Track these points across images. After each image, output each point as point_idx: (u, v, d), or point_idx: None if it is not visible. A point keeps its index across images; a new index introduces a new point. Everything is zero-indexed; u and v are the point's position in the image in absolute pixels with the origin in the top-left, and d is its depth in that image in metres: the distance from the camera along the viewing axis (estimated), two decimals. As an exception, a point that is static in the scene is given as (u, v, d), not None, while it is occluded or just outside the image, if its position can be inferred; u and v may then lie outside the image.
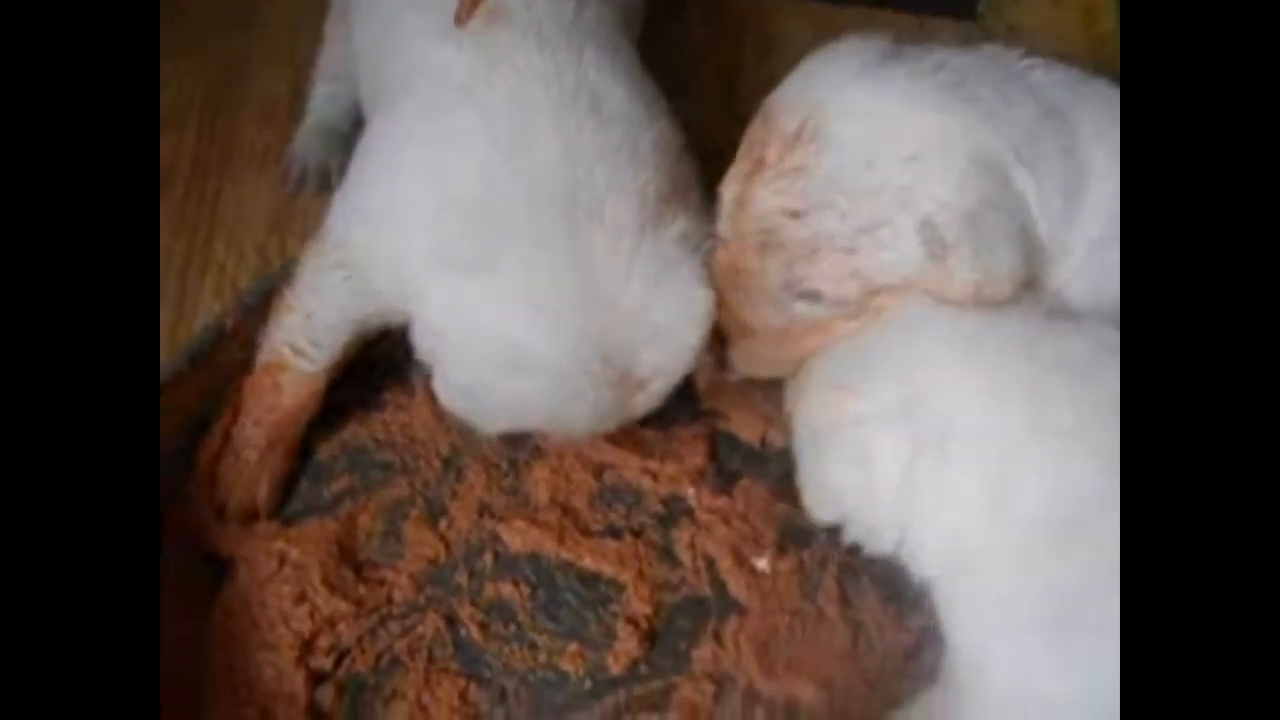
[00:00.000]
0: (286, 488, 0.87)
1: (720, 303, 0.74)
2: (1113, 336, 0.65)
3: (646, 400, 0.75)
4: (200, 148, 1.12)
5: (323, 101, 1.08)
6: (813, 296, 0.72)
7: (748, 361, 0.79)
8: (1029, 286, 0.70)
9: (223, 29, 1.21)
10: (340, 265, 0.80)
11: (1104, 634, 0.57)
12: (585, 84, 0.74)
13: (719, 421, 0.90)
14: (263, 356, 0.85)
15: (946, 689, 0.69)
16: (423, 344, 0.76)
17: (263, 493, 0.85)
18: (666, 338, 0.73)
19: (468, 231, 0.71)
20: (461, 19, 0.77)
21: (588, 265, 0.70)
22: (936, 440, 0.65)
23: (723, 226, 0.75)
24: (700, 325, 0.73)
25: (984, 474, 0.64)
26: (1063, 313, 0.71)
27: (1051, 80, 0.73)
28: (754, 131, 0.74)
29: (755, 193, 0.72)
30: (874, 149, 0.68)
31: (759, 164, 0.72)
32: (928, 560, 0.68)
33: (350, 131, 1.07)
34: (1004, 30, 1.17)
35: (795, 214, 0.70)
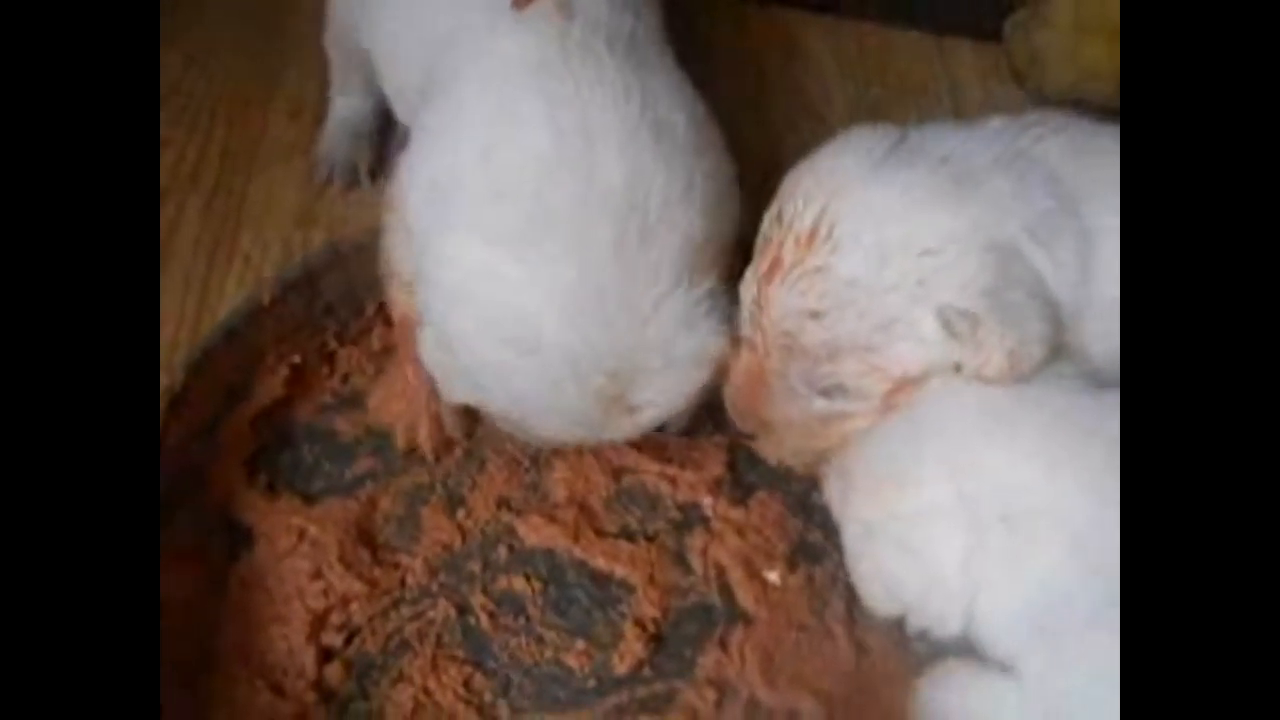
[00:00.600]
0: (467, 413, 0.88)
1: (740, 400, 0.77)
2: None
3: (631, 427, 0.76)
4: (229, 143, 1.14)
5: (342, 109, 1.11)
6: (835, 392, 0.73)
7: (774, 452, 0.81)
8: (1058, 353, 0.70)
9: (252, 28, 1.24)
10: (408, 229, 0.80)
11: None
12: (650, 102, 0.74)
13: (742, 434, 0.90)
14: (396, 314, 0.87)
15: None
16: (426, 293, 0.76)
17: (449, 421, 0.87)
18: (670, 375, 0.73)
19: (515, 207, 0.71)
20: (521, 3, 0.77)
21: (624, 282, 0.71)
22: (998, 520, 0.65)
23: (745, 327, 0.75)
24: (705, 372, 0.75)
25: (1058, 546, 0.64)
26: (1093, 375, 0.71)
27: (1057, 147, 0.74)
28: (768, 228, 0.75)
29: (774, 294, 0.72)
30: (888, 247, 0.68)
31: (776, 264, 0.72)
32: (1003, 639, 0.66)
33: (374, 131, 1.11)
34: (1027, 56, 1.18)
35: (815, 315, 0.70)
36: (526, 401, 0.75)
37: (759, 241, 0.75)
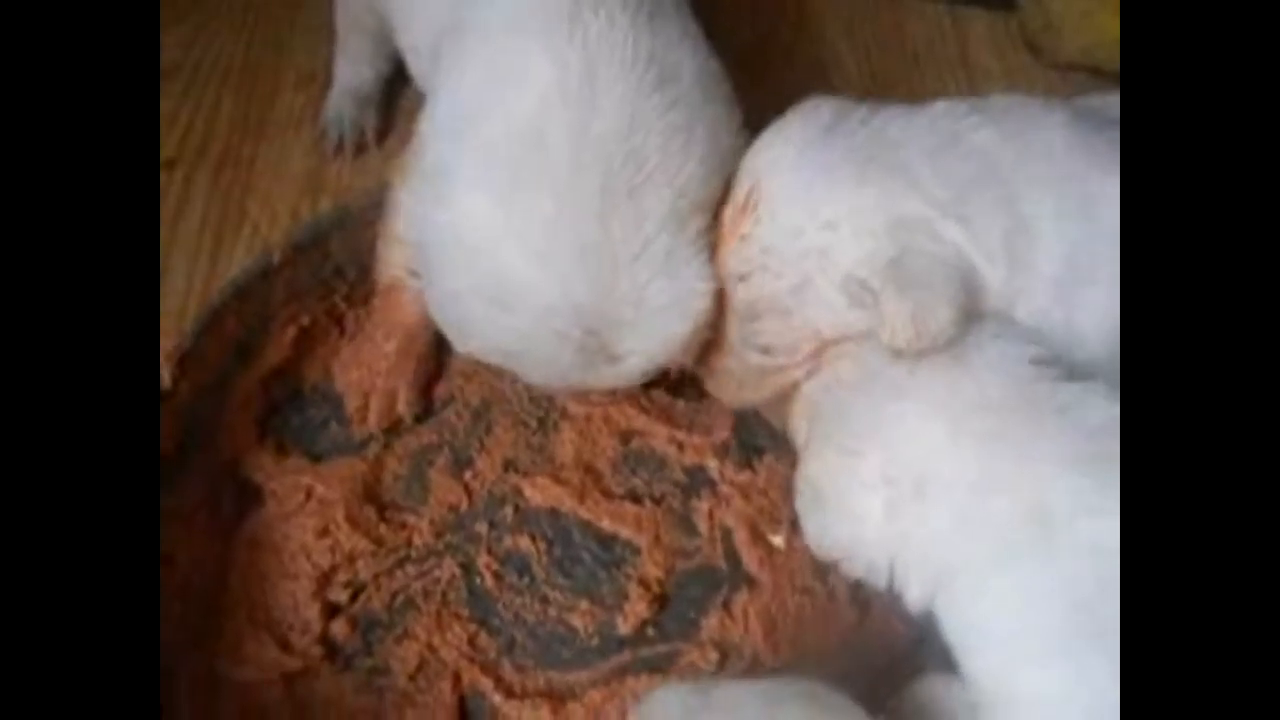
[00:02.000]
0: (426, 392, 0.90)
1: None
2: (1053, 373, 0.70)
3: (618, 374, 0.77)
4: (237, 112, 1.15)
5: (348, 76, 1.11)
6: (765, 350, 0.78)
7: (720, 393, 0.85)
8: (971, 319, 0.72)
9: (262, -1, 1.24)
10: (414, 189, 0.80)
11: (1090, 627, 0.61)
12: (656, 57, 0.74)
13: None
14: (382, 282, 0.88)
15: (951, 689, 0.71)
16: (427, 236, 0.77)
17: (403, 397, 0.88)
18: (654, 324, 0.74)
19: (509, 163, 0.72)
20: None
21: (604, 235, 0.71)
22: (912, 491, 0.68)
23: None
24: (690, 320, 0.75)
25: (953, 507, 0.67)
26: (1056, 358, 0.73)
27: (996, 133, 0.75)
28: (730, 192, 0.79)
29: (718, 254, 0.77)
30: (798, 220, 0.74)
31: (720, 225, 0.78)
32: (917, 589, 0.70)
33: (380, 97, 1.12)
34: (1040, 24, 1.17)
35: (742, 277, 0.76)
36: (521, 356, 0.76)
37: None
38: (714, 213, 0.77)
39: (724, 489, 0.86)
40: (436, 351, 0.91)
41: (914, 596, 0.71)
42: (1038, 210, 0.73)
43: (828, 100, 0.79)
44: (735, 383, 0.83)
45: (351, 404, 0.88)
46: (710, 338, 0.79)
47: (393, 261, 0.86)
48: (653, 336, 0.75)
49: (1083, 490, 0.64)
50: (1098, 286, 0.74)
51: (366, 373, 0.88)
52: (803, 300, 0.75)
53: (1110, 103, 0.82)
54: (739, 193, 0.77)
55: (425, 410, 0.90)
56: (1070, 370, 0.70)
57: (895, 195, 0.72)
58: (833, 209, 0.73)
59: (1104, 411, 0.66)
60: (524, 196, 0.71)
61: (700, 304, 0.75)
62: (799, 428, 0.78)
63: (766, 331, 0.77)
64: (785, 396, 0.80)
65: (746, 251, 0.75)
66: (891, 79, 1.18)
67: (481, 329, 0.76)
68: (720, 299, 0.77)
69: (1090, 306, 0.74)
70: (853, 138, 0.75)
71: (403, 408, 0.88)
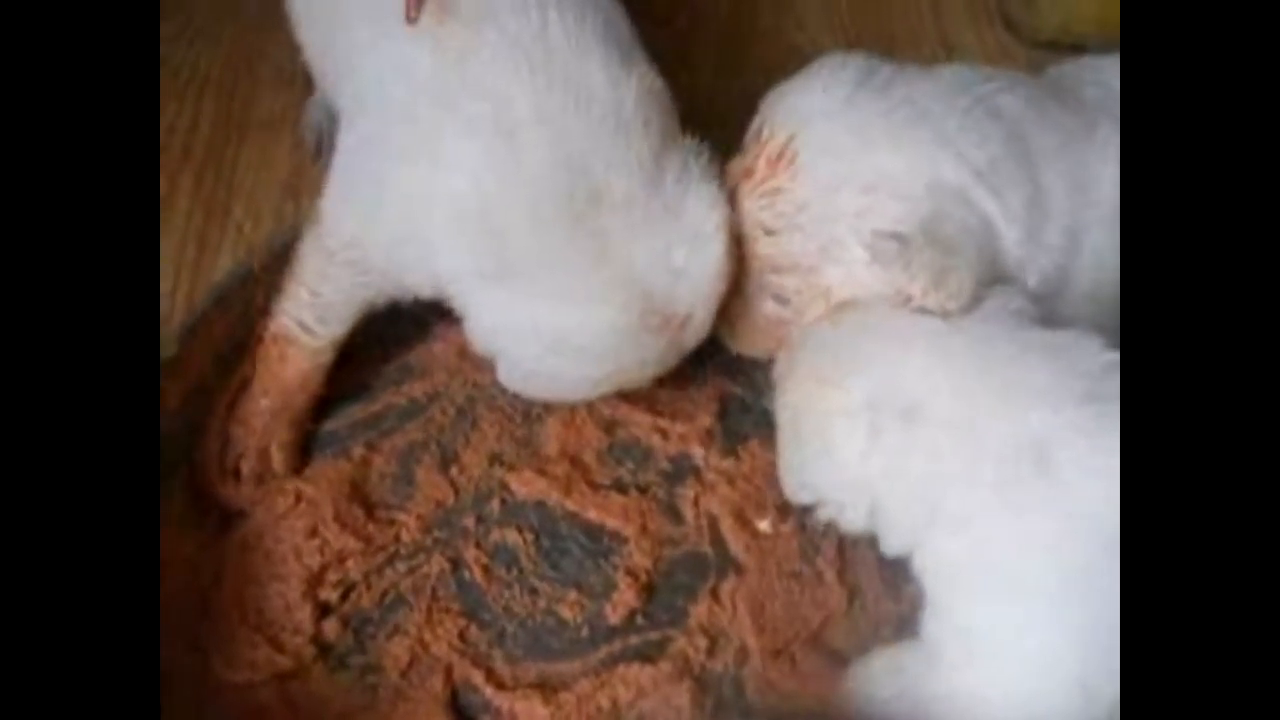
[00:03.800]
0: (301, 451, 0.88)
1: None
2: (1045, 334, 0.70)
3: (697, 333, 0.78)
4: (219, 113, 1.14)
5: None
6: (781, 301, 0.79)
7: (732, 340, 0.85)
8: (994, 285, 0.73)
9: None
10: (350, 265, 0.81)
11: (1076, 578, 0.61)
12: (556, 64, 0.73)
13: (732, 384, 0.91)
14: (271, 328, 0.86)
15: (921, 647, 0.71)
16: (479, 344, 0.79)
17: (275, 458, 0.86)
18: (691, 272, 0.74)
19: (479, 247, 0.73)
20: (412, 17, 0.75)
21: (599, 244, 0.72)
22: (899, 417, 0.68)
23: None
24: (717, 244, 0.75)
25: (937, 440, 0.67)
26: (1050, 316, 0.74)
27: (1018, 100, 0.76)
28: (750, 139, 0.79)
29: (742, 202, 0.77)
30: (838, 178, 0.73)
31: (748, 173, 0.77)
32: (896, 533, 0.71)
33: None
34: (1020, 1, 1.18)
35: (770, 231, 0.76)
36: (619, 376, 0.78)
37: (745, 141, 0.80)
38: (675, 135, 0.77)
39: (709, 476, 0.87)
40: (315, 410, 0.89)
41: (893, 541, 0.71)
42: (1053, 181, 0.75)
43: (850, 56, 0.79)
44: (748, 329, 0.83)
45: (229, 456, 0.86)
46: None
47: (286, 309, 0.85)
48: (696, 281, 0.75)
49: (1070, 432, 0.64)
50: (1084, 254, 0.76)
51: (243, 431, 0.86)
52: (827, 259, 0.75)
53: (1066, 71, 0.85)
54: (773, 143, 0.76)
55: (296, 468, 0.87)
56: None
57: (933, 159, 0.73)
58: (873, 170, 0.73)
59: (1099, 356, 0.66)
60: (514, 264, 0.73)
61: (716, 226, 0.75)
62: (780, 360, 0.79)
63: (786, 287, 0.78)
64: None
65: (780, 206, 0.75)
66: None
67: (572, 377, 0.77)
68: (737, 242, 0.77)
69: (1078, 278, 0.76)
70: (890, 95, 0.75)
71: (277, 465, 0.86)
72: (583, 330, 0.74)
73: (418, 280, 0.79)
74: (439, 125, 0.73)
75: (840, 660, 0.77)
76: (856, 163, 0.73)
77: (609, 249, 0.73)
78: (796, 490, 0.76)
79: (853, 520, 0.72)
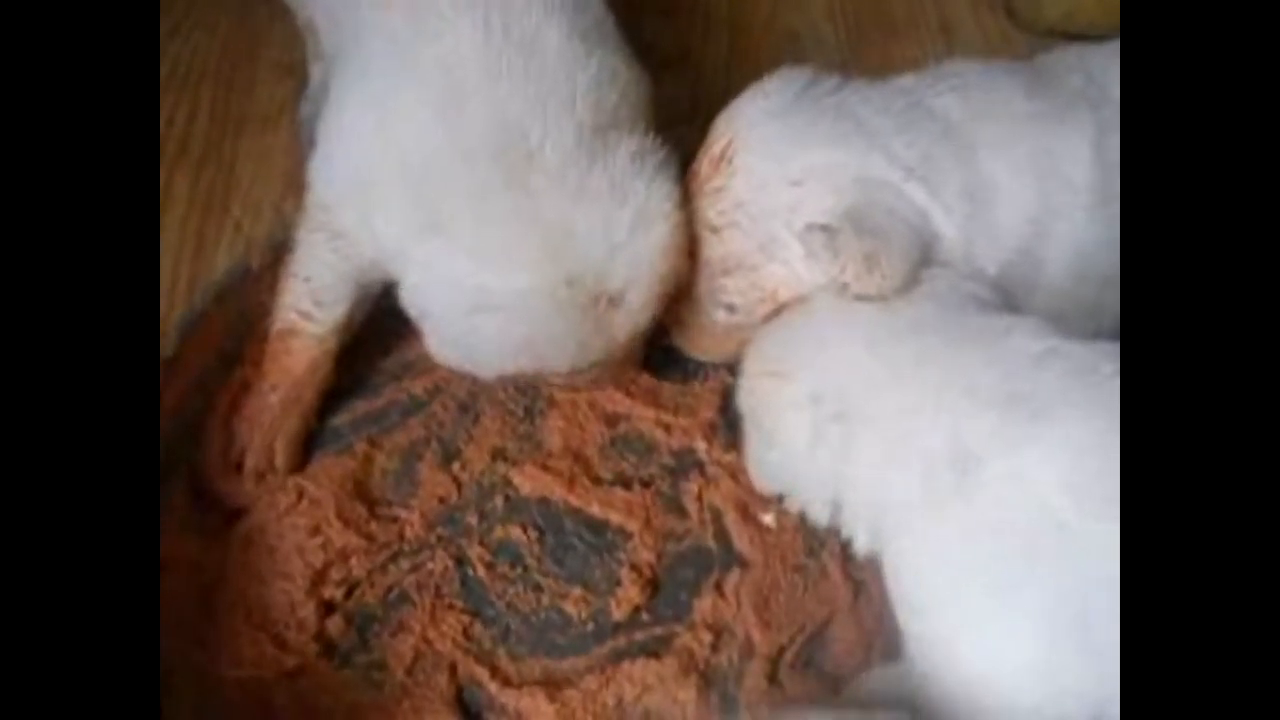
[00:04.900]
0: (303, 447, 0.88)
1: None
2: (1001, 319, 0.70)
3: (628, 318, 0.78)
4: (217, 108, 1.14)
5: (321, 73, 1.10)
6: (729, 308, 0.81)
7: (689, 348, 0.88)
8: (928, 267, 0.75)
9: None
10: (324, 228, 0.82)
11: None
12: (513, 32, 0.76)
13: (733, 377, 0.90)
14: (275, 325, 0.86)
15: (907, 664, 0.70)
16: (409, 305, 0.79)
17: (279, 453, 0.86)
18: (629, 249, 0.75)
19: (419, 197, 0.75)
20: None
21: (531, 205, 0.73)
22: (835, 411, 0.70)
23: None
24: (662, 232, 0.76)
25: (880, 436, 0.68)
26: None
27: (958, 101, 0.79)
28: (705, 144, 0.82)
29: (692, 201, 0.80)
30: (768, 177, 0.77)
31: (694, 174, 0.81)
32: (862, 532, 0.72)
33: None
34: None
35: (714, 229, 0.79)
36: (540, 347, 0.77)
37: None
38: (643, 131, 0.79)
39: (712, 470, 0.87)
40: (321, 405, 0.89)
41: (861, 541, 0.72)
42: (994, 165, 0.76)
43: (804, 68, 0.82)
44: (704, 338, 0.86)
45: (233, 451, 0.86)
46: (681, 290, 0.81)
47: (286, 304, 0.86)
48: (633, 260, 0.75)
49: (1001, 428, 0.63)
50: (1057, 240, 0.77)
51: (248, 424, 0.86)
52: (767, 257, 0.77)
53: (1053, 59, 0.85)
54: (715, 146, 0.79)
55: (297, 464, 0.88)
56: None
57: (862, 156, 0.75)
58: (801, 166, 0.76)
59: (1035, 344, 0.66)
60: (447, 217, 0.74)
61: (665, 214, 0.76)
62: (746, 352, 0.80)
63: (731, 289, 0.80)
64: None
65: (721, 204, 0.78)
66: (870, 47, 1.18)
67: (491, 344, 0.77)
68: (693, 251, 0.79)
69: (1051, 260, 0.78)
70: (823, 102, 0.79)
71: (280, 461, 0.86)
72: (505, 290, 0.74)
73: (362, 239, 0.80)
74: (397, 75, 0.76)
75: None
76: (788, 161, 0.76)
77: (540, 212, 0.73)
78: (760, 480, 0.78)
79: (819, 514, 0.74)
